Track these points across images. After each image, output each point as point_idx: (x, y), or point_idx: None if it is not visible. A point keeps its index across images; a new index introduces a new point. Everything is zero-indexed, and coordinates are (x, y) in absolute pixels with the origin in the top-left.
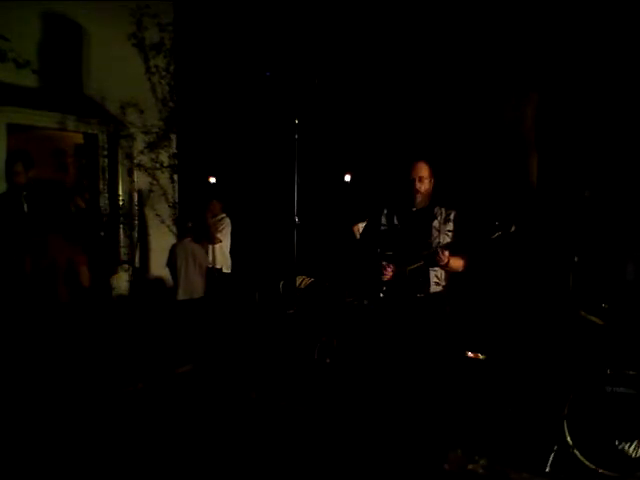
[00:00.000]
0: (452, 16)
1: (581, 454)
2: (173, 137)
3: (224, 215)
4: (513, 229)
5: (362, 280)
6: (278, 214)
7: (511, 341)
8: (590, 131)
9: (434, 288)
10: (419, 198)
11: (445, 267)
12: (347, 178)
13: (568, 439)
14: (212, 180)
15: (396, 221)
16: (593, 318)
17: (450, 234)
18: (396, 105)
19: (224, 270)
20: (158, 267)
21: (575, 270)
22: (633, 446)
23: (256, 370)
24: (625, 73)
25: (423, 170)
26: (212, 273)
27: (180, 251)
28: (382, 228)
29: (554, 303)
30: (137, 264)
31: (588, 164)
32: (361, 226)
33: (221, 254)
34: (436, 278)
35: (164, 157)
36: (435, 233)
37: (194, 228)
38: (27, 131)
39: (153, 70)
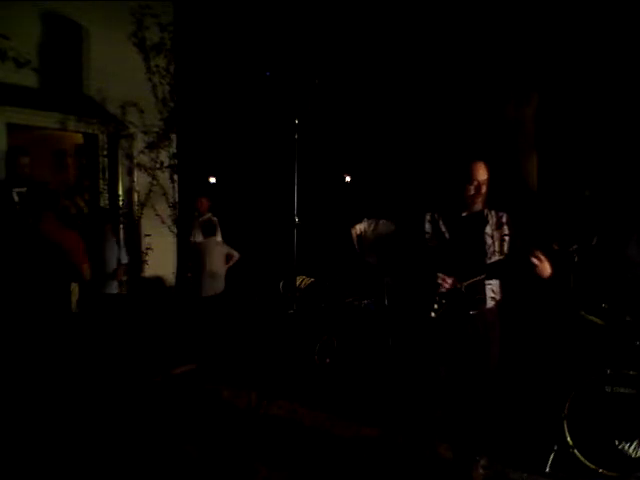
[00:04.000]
0: (453, 16)
1: (581, 454)
2: (173, 137)
3: (210, 215)
4: (595, 242)
5: (408, 297)
6: (278, 214)
7: (511, 341)
8: (590, 131)
9: (490, 303)
10: (477, 203)
11: (537, 272)
12: (347, 178)
13: (568, 439)
14: (212, 180)
15: (443, 228)
16: (593, 318)
17: (507, 240)
18: (397, 105)
19: None
20: (158, 267)
21: (575, 270)
22: (633, 446)
23: (256, 370)
24: (625, 73)
25: (484, 172)
26: None
27: (205, 248)
28: (427, 236)
29: (554, 303)
30: (137, 264)
31: (588, 164)
32: (358, 227)
33: None
34: (492, 292)
35: (164, 157)
36: (489, 240)
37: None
38: (27, 131)
39: (153, 70)
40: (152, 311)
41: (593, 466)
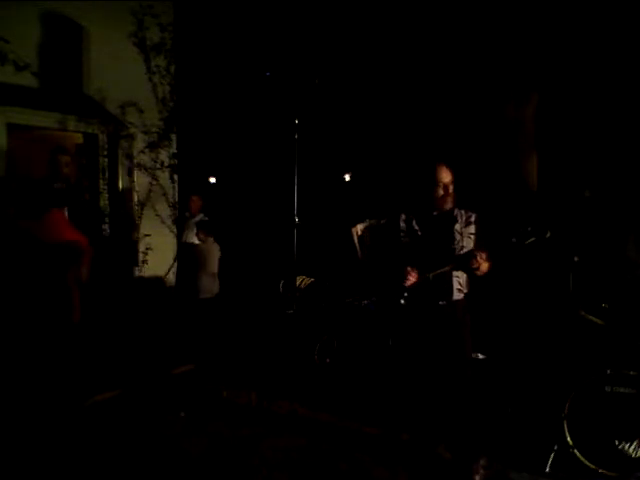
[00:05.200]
0: (453, 16)
1: (581, 454)
2: (173, 137)
3: (202, 215)
4: (548, 235)
5: (382, 288)
6: (278, 214)
7: (511, 341)
8: (590, 131)
9: (457, 295)
10: (447, 203)
11: (476, 271)
12: (347, 178)
13: (568, 439)
14: (212, 180)
15: (416, 226)
16: (593, 318)
17: (472, 237)
18: (397, 105)
19: None
20: (158, 267)
21: (575, 270)
22: (633, 446)
23: (256, 370)
24: (625, 73)
25: (448, 174)
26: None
27: (206, 249)
28: (402, 234)
29: (554, 303)
30: (138, 264)
31: (588, 164)
32: (359, 227)
33: None
34: (459, 285)
35: (164, 157)
36: (458, 237)
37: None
38: (27, 131)
39: (153, 70)
40: (151, 311)
41: (593, 466)
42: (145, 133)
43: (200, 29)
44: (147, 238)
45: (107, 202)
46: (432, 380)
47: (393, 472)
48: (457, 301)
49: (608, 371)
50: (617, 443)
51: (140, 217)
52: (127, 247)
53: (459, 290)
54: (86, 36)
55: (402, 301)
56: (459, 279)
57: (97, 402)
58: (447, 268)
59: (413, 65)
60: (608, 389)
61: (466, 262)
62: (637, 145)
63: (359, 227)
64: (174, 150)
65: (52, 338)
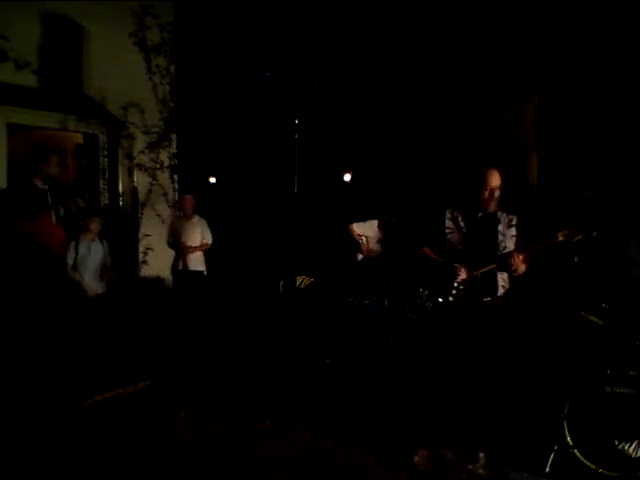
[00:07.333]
0: (453, 16)
1: (581, 454)
2: (173, 137)
3: (197, 217)
4: (595, 234)
5: (431, 282)
6: (278, 214)
7: (512, 340)
8: (590, 131)
9: (500, 291)
10: (491, 205)
11: (514, 272)
12: (347, 178)
13: (568, 439)
14: (212, 180)
15: (462, 223)
16: (593, 318)
17: (514, 239)
18: (395, 105)
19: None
20: (158, 267)
21: (575, 270)
22: (633, 446)
23: (256, 371)
24: (625, 73)
25: (497, 178)
26: (193, 275)
27: None
28: (447, 231)
29: (554, 303)
30: (138, 264)
31: (588, 164)
32: (355, 226)
33: (201, 255)
34: (502, 282)
35: (164, 157)
36: (501, 237)
37: None
38: (27, 131)
39: (154, 70)
40: (146, 311)
41: (593, 466)
42: (145, 133)
43: (200, 29)
44: (147, 238)
45: (107, 202)
46: (458, 374)
47: (393, 472)
48: (499, 297)
49: (608, 371)
50: (617, 443)
51: (140, 217)
52: (127, 247)
53: (502, 286)
54: (86, 36)
55: (451, 298)
56: (503, 276)
57: (96, 402)
58: (492, 266)
59: (413, 66)
60: (608, 389)
61: (506, 262)
62: (637, 145)
63: (355, 226)
64: (174, 150)
65: (51, 336)
